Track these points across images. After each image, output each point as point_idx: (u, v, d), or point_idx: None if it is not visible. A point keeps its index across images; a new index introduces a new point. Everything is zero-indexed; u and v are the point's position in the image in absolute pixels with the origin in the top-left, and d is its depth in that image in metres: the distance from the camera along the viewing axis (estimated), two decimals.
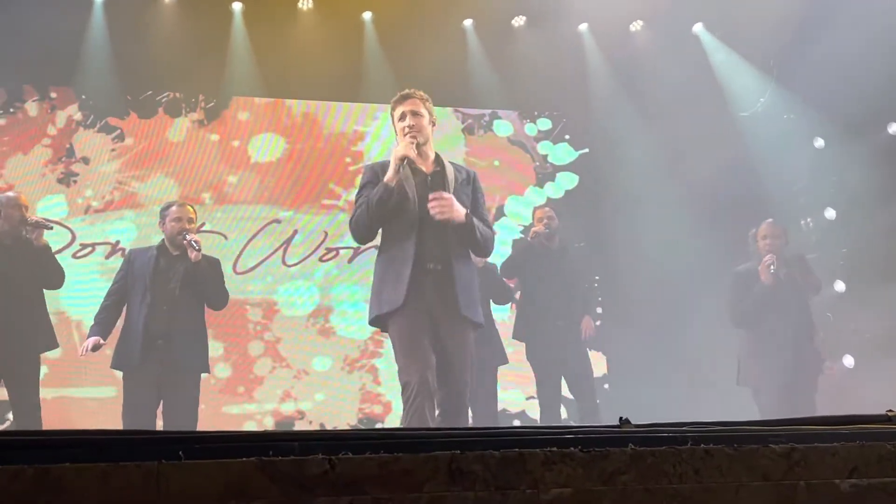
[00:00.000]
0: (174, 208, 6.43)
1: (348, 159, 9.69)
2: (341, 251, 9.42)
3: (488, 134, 10.08)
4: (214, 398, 8.46)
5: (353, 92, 9.39)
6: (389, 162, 4.95)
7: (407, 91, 5.12)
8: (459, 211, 4.86)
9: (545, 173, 10.01)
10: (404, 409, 4.65)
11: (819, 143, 9.30)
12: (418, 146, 4.96)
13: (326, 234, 9.43)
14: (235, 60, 9.11)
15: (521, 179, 10.04)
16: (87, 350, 6.18)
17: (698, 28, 9.67)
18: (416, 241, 4.86)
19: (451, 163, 5.16)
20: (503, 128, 10.11)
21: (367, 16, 9.31)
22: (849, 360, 8.74)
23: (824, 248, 9.04)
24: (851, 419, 2.32)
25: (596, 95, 9.57)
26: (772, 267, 6.95)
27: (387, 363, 9.04)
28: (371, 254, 8.91)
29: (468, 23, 9.52)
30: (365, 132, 9.77)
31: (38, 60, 8.37)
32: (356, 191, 5.13)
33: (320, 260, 9.30)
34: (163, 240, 6.43)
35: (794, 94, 9.14)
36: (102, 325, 6.32)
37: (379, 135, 9.74)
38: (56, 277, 6.51)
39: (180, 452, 1.81)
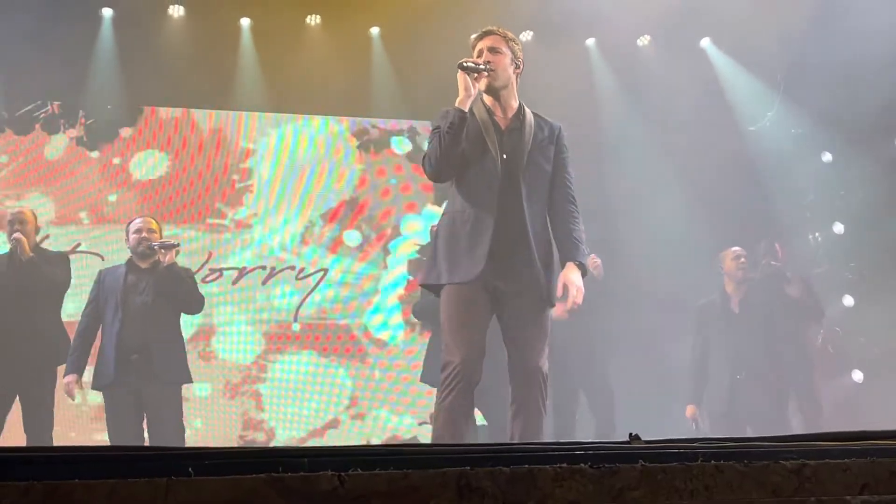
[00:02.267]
0: (135, 221, 6.47)
1: (235, 176, 9.30)
2: (225, 272, 9.09)
3: None
4: (86, 426, 8.11)
5: (361, 107, 9.39)
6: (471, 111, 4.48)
7: (489, 27, 4.64)
8: (579, 281, 4.41)
9: None
10: (438, 393, 4.29)
11: (827, 157, 9.31)
12: (493, 88, 4.52)
13: (210, 254, 9.08)
14: (243, 75, 9.12)
15: None
16: (72, 395, 6.24)
17: (705, 43, 9.68)
18: (498, 209, 4.37)
19: (537, 116, 4.68)
20: None
21: (374, 31, 9.33)
22: (857, 375, 8.72)
23: (832, 262, 9.03)
24: (862, 435, 2.31)
25: (603, 110, 9.57)
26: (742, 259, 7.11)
27: (270, 388, 8.85)
28: (255, 276, 8.96)
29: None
30: (254, 149, 9.43)
31: None
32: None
33: (202, 281, 8.69)
34: (130, 256, 6.44)
35: (802, 109, 9.15)
36: (76, 357, 6.32)
37: (270, 152, 9.43)
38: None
39: (189, 468, 1.81)
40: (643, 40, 9.69)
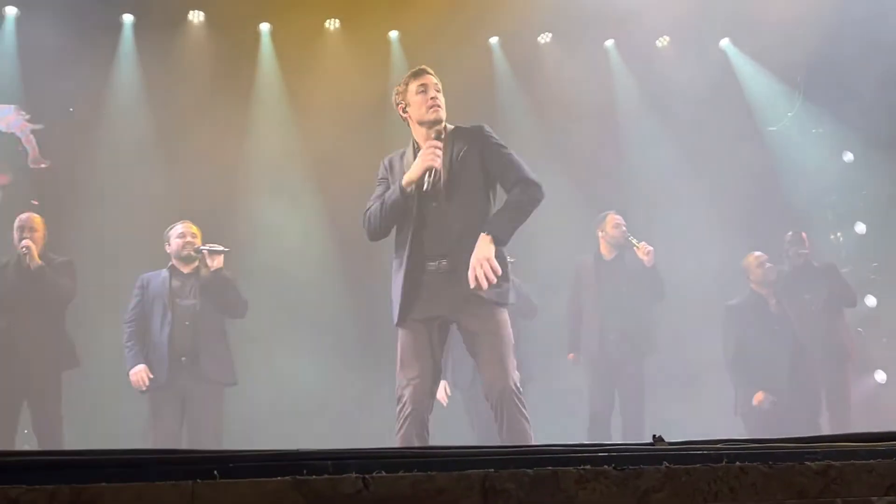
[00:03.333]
0: (177, 227, 6.52)
1: None
2: None
3: None
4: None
5: (379, 111, 9.38)
6: (406, 153, 4.74)
7: (420, 67, 4.80)
8: (488, 252, 4.42)
9: None
10: (396, 424, 4.54)
11: (848, 156, 9.26)
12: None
13: None
14: (262, 80, 9.15)
15: None
16: (144, 384, 6.25)
17: (725, 43, 9.65)
18: (412, 243, 4.58)
19: (454, 130, 4.74)
20: None
21: (393, 35, 9.34)
22: (881, 376, 8.67)
23: (855, 262, 8.98)
24: (888, 436, 2.30)
25: (622, 110, 9.55)
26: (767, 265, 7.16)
27: None
28: None
29: (494, 40, 9.54)
30: None
31: None
32: None
33: None
34: (171, 262, 6.47)
35: (822, 109, 9.11)
36: (136, 353, 6.34)
37: None
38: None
39: (215, 472, 1.82)
40: (662, 41, 9.65)
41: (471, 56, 9.04)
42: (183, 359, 6.24)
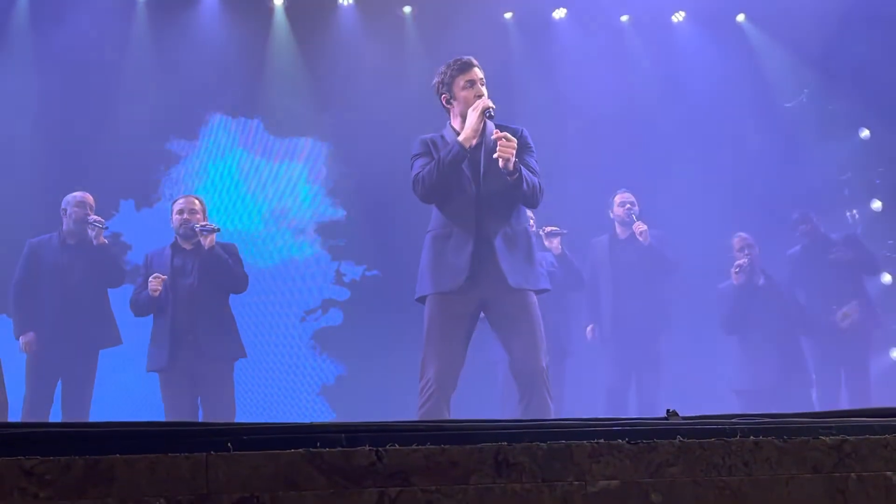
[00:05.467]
0: (178, 201, 6.50)
1: None
2: None
3: None
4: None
5: (395, 85, 9.37)
6: (442, 135, 4.78)
7: (470, 58, 4.80)
8: (513, 157, 4.53)
9: None
10: (418, 400, 4.53)
11: (864, 133, 9.20)
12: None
13: None
14: (275, 55, 9.14)
15: None
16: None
17: (741, 18, 9.58)
18: (455, 216, 4.66)
19: (499, 127, 4.76)
20: None
21: (407, 10, 9.30)
22: None
23: (870, 239, 8.93)
24: None
25: (638, 85, 9.50)
26: (737, 271, 7.01)
27: None
28: None
29: (508, 16, 9.50)
30: None
31: None
32: None
33: None
34: (175, 237, 6.47)
35: (839, 85, 9.04)
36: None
37: None
38: (114, 276, 6.67)
39: (228, 444, 1.82)
40: (678, 16, 9.60)
41: (485, 31, 9.00)
42: (189, 337, 6.20)
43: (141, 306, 6.37)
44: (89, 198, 6.63)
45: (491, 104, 4.60)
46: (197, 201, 6.48)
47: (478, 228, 4.62)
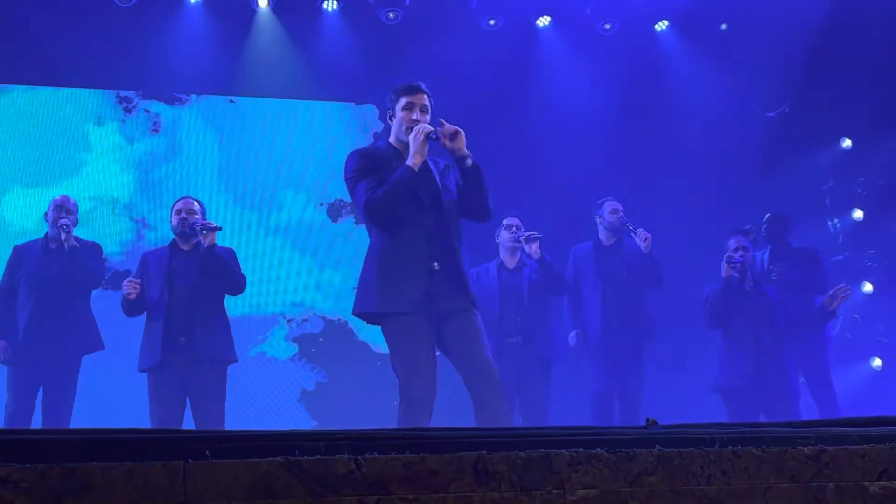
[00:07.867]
0: (178, 202, 6.45)
1: None
2: None
3: None
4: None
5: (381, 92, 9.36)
6: (378, 147, 4.88)
7: (418, 84, 4.89)
8: (467, 152, 4.66)
9: None
10: (400, 420, 4.54)
11: (846, 143, 9.25)
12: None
13: None
14: (257, 59, 9.12)
15: None
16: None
17: (724, 28, 9.61)
18: (427, 242, 4.69)
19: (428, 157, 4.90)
20: None
21: (391, 15, 9.27)
22: (877, 362, 8.69)
23: (852, 249, 8.99)
24: (880, 421, 2.30)
25: (620, 95, 9.51)
26: (729, 264, 7.00)
27: None
28: None
29: (492, 23, 9.49)
30: None
31: None
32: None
33: None
34: (173, 237, 6.44)
35: (821, 95, 9.08)
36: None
37: None
38: (87, 279, 6.60)
39: (207, 452, 1.82)
40: (661, 25, 9.62)
41: (468, 39, 9.01)
42: (182, 339, 6.13)
43: (128, 307, 6.32)
44: (69, 200, 6.60)
45: (430, 129, 4.65)
46: (195, 203, 6.44)
47: (429, 239, 4.69)
